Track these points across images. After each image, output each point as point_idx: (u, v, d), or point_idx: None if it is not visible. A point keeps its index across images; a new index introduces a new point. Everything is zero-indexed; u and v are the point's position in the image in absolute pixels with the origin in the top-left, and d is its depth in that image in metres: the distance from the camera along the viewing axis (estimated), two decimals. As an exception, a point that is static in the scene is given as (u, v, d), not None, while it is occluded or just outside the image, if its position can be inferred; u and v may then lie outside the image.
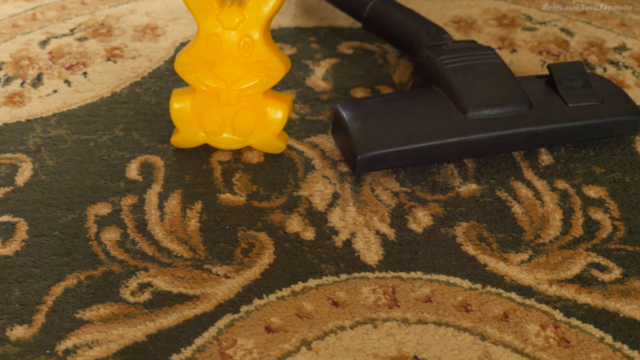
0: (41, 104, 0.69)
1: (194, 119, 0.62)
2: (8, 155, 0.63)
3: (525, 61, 0.78)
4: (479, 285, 0.52)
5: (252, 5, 0.58)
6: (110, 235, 0.55)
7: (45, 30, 0.81)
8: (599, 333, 0.49)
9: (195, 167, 0.62)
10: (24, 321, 0.49)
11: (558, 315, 0.50)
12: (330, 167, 0.62)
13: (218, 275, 0.52)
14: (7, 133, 0.65)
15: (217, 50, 0.59)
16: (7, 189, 0.59)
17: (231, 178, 0.61)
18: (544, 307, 0.51)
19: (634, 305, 0.51)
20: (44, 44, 0.79)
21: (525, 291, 0.52)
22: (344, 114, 0.61)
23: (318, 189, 0.60)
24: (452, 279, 0.53)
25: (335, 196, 0.59)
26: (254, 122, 0.62)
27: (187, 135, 0.63)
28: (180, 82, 0.72)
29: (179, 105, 0.61)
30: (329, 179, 0.61)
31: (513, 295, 0.51)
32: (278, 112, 0.61)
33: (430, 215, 0.58)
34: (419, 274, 0.53)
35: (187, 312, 0.50)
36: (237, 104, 0.61)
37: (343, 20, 0.85)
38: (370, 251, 0.55)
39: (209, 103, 0.61)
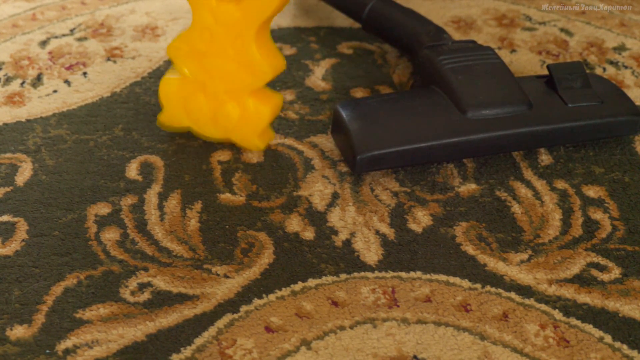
0: (41, 104, 0.69)
1: (180, 101, 0.62)
2: (8, 155, 0.63)
3: (525, 61, 0.78)
4: (478, 285, 0.52)
5: (249, 5, 0.57)
6: (110, 235, 0.55)
7: (45, 30, 0.81)
8: (598, 333, 0.49)
9: (195, 167, 0.62)
10: (23, 321, 0.49)
11: (557, 315, 0.50)
12: (330, 167, 0.62)
13: (218, 275, 0.52)
14: (7, 133, 0.65)
15: (209, 44, 0.59)
16: (7, 189, 0.59)
17: (231, 178, 0.61)
18: (543, 306, 0.51)
19: (633, 305, 0.51)
20: (44, 44, 0.79)
21: (525, 291, 0.52)
22: (344, 114, 0.62)
23: (318, 189, 0.60)
24: (451, 279, 0.53)
25: (335, 196, 0.59)
26: (236, 117, 0.61)
27: (172, 115, 0.63)
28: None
29: (167, 84, 0.62)
30: (328, 179, 0.61)
31: (512, 295, 0.51)
32: (261, 111, 0.61)
33: (429, 215, 0.58)
34: (418, 273, 0.53)
35: (187, 311, 0.50)
36: (222, 97, 0.61)
37: (343, 20, 0.85)
38: (370, 251, 0.55)
39: (195, 90, 0.61)
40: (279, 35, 0.81)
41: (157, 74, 0.74)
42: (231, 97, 0.61)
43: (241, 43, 0.58)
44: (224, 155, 0.64)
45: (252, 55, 0.58)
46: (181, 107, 0.62)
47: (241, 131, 0.62)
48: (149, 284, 0.52)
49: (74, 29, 0.82)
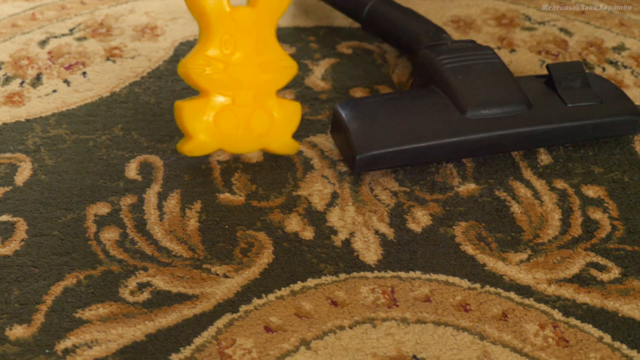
0: (40, 103, 0.69)
1: (208, 124, 0.60)
2: (7, 155, 0.63)
3: (524, 61, 0.78)
4: (477, 285, 0.52)
5: (264, 5, 0.58)
6: (110, 235, 0.55)
7: (45, 30, 0.81)
8: (597, 332, 0.49)
9: (194, 166, 0.62)
10: (23, 321, 0.49)
11: (557, 314, 0.50)
12: (330, 167, 0.62)
13: (217, 274, 0.52)
14: (7, 133, 0.65)
15: (232, 50, 0.59)
16: (7, 189, 0.59)
17: (230, 178, 0.61)
18: (542, 306, 0.51)
19: (632, 304, 0.51)
20: (43, 43, 0.79)
21: (524, 291, 0.52)
22: (343, 114, 0.62)
23: (317, 189, 0.60)
24: (451, 279, 0.53)
25: (335, 196, 0.59)
26: (269, 122, 0.61)
27: (201, 142, 0.60)
28: (180, 82, 0.72)
29: (191, 109, 0.59)
30: (328, 179, 0.61)
31: (512, 294, 0.51)
32: (293, 107, 0.62)
33: (429, 214, 0.58)
34: (418, 273, 0.53)
35: (187, 311, 0.50)
36: (252, 105, 0.61)
37: (342, 20, 0.85)
38: (369, 251, 0.55)
39: (223, 105, 0.60)
40: (279, 35, 0.81)
41: (156, 74, 0.74)
42: (260, 103, 0.60)
43: (264, 42, 0.59)
44: (223, 155, 0.64)
45: (277, 52, 0.60)
46: (209, 129, 0.60)
47: (276, 134, 0.62)
48: (148, 284, 0.52)
49: (74, 28, 0.82)
